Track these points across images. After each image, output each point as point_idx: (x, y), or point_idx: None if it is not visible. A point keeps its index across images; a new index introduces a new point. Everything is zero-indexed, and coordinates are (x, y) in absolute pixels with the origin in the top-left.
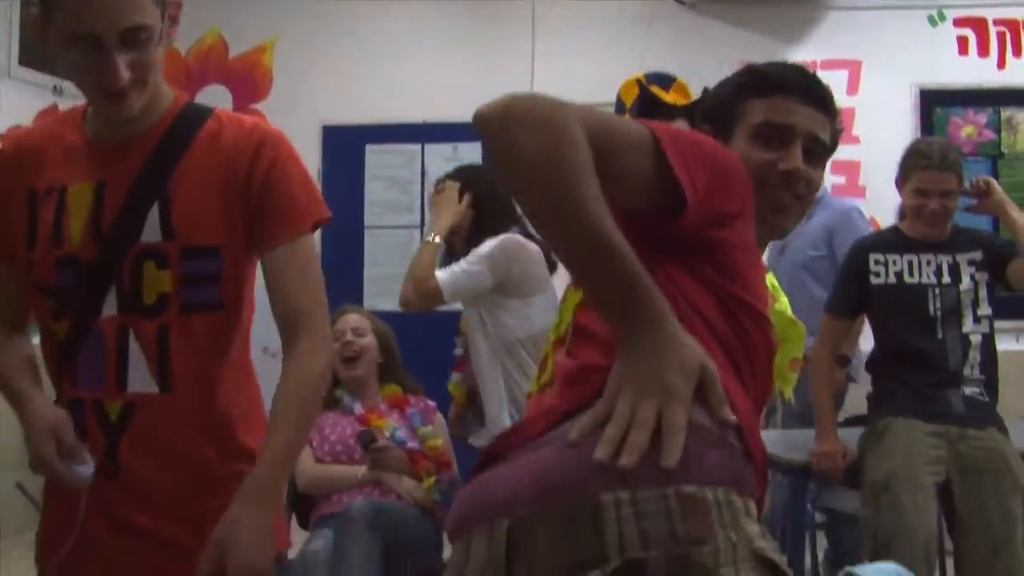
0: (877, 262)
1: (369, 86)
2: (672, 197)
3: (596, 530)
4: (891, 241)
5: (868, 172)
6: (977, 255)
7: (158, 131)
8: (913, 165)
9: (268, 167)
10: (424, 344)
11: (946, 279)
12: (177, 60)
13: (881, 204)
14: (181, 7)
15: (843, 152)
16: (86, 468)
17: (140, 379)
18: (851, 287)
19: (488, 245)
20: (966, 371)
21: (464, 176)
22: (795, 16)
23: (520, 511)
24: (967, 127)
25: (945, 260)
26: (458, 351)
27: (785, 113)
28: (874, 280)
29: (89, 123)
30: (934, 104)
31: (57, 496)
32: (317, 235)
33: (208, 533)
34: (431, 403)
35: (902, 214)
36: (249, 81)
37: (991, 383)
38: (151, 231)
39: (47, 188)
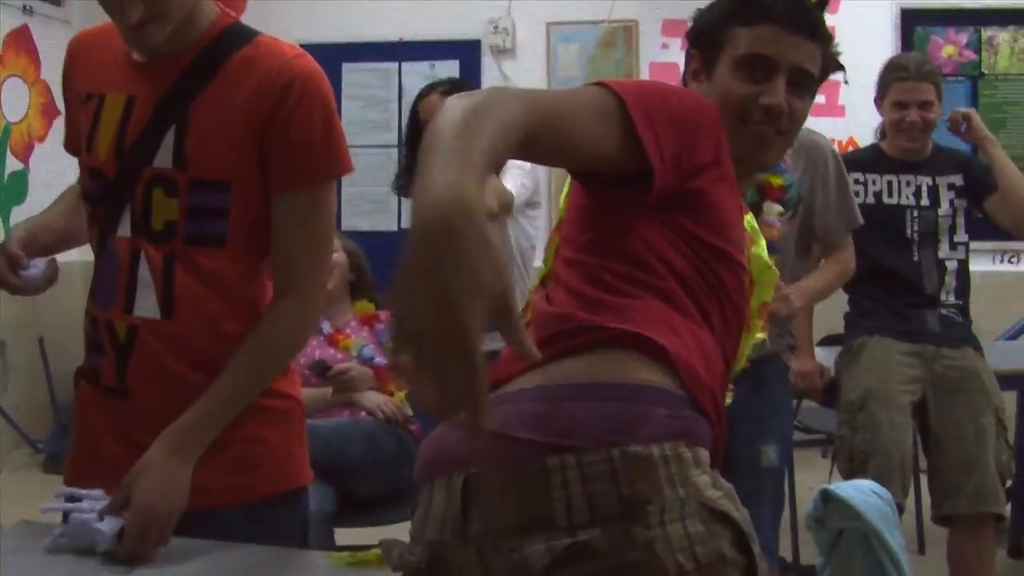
0: (857, 181)
1: (344, 4)
2: (639, 160)
3: (543, 493)
4: (871, 160)
5: (847, 91)
6: (957, 179)
7: (191, 52)
8: (890, 78)
9: (292, 108)
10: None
11: (925, 201)
12: None
13: (860, 123)
14: None
15: None
16: (34, 270)
17: (145, 303)
18: None
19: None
20: (942, 295)
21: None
22: None
23: (473, 467)
24: (948, 47)
25: (925, 181)
26: None
27: (769, 44)
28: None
29: (131, 34)
30: (915, 23)
31: (80, 420)
32: None
33: (211, 462)
34: None
35: (882, 133)
36: None
37: (966, 307)
38: (164, 157)
39: (88, 93)
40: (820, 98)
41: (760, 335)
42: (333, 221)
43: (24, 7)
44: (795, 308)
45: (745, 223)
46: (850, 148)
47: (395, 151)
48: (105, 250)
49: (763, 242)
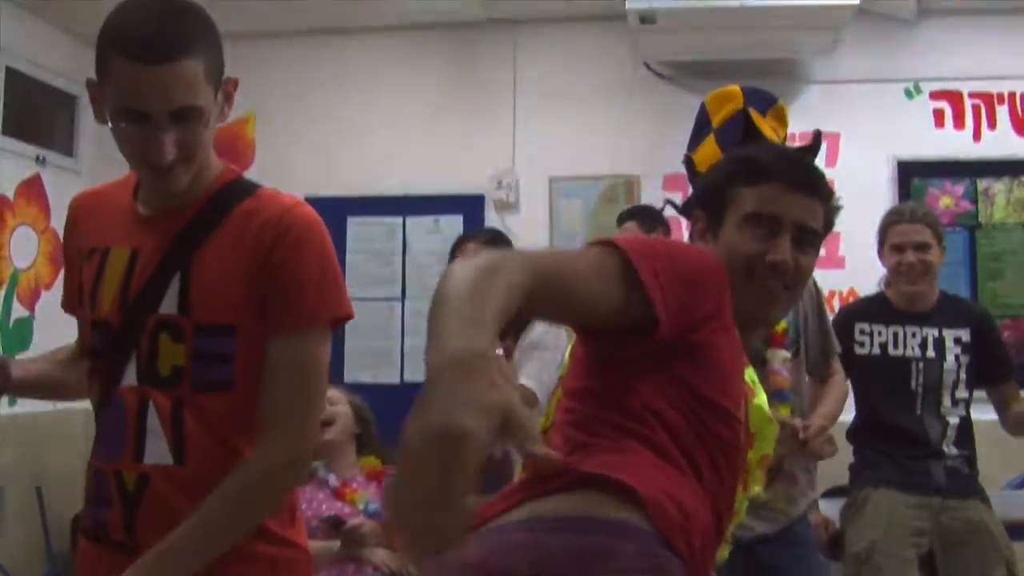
0: (863, 332)
1: (351, 158)
2: (643, 313)
3: None
4: (877, 310)
5: (847, 243)
6: (964, 333)
7: (197, 205)
8: (887, 224)
9: (286, 252)
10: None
11: (930, 353)
12: None
13: (861, 275)
14: (237, 85)
15: None
16: None
17: (156, 450)
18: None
19: (538, 331)
20: (945, 447)
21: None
22: (774, 89)
23: None
24: (945, 198)
25: (931, 333)
26: None
27: (773, 203)
28: (858, 350)
29: (139, 189)
30: (912, 175)
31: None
32: None
33: None
34: None
35: (887, 283)
36: (231, 152)
37: (972, 458)
38: (169, 303)
39: (92, 248)
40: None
41: (757, 488)
42: (325, 369)
43: (38, 157)
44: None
45: (746, 376)
46: (851, 299)
47: (398, 304)
48: (110, 401)
49: (763, 395)
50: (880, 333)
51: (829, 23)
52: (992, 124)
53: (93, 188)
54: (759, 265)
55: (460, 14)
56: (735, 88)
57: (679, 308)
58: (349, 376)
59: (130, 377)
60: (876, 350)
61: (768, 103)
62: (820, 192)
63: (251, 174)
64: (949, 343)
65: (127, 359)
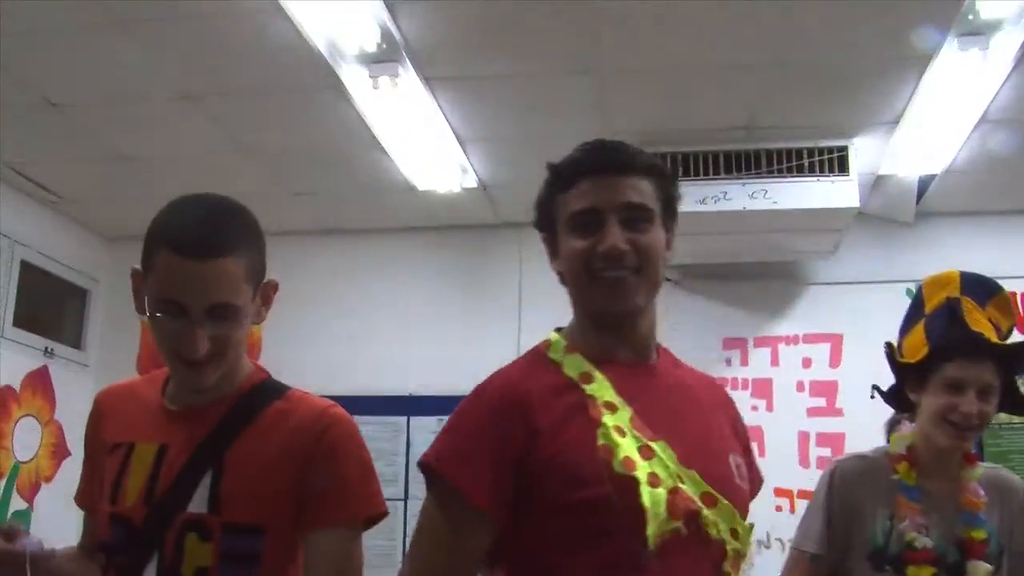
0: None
1: (356, 357)
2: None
3: None
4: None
5: (853, 444)
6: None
7: (227, 403)
8: (892, 425)
9: (328, 450)
10: None
11: None
12: None
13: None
14: (277, 289)
15: (827, 424)
16: (29, 541)
17: None
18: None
19: None
20: None
21: None
22: (777, 292)
23: None
24: None
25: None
26: None
27: (587, 196)
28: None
29: (169, 386)
30: None
31: None
32: None
33: None
34: None
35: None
36: None
37: None
38: (199, 502)
39: (116, 443)
40: (826, 450)
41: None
42: (362, 566)
43: (46, 349)
44: None
45: (600, 436)
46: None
47: (401, 504)
48: None
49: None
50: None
51: (830, 226)
52: None
53: (119, 383)
54: (594, 260)
55: (468, 216)
56: (954, 273)
57: (492, 482)
58: None
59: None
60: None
61: (989, 293)
62: (635, 167)
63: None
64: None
65: (148, 557)
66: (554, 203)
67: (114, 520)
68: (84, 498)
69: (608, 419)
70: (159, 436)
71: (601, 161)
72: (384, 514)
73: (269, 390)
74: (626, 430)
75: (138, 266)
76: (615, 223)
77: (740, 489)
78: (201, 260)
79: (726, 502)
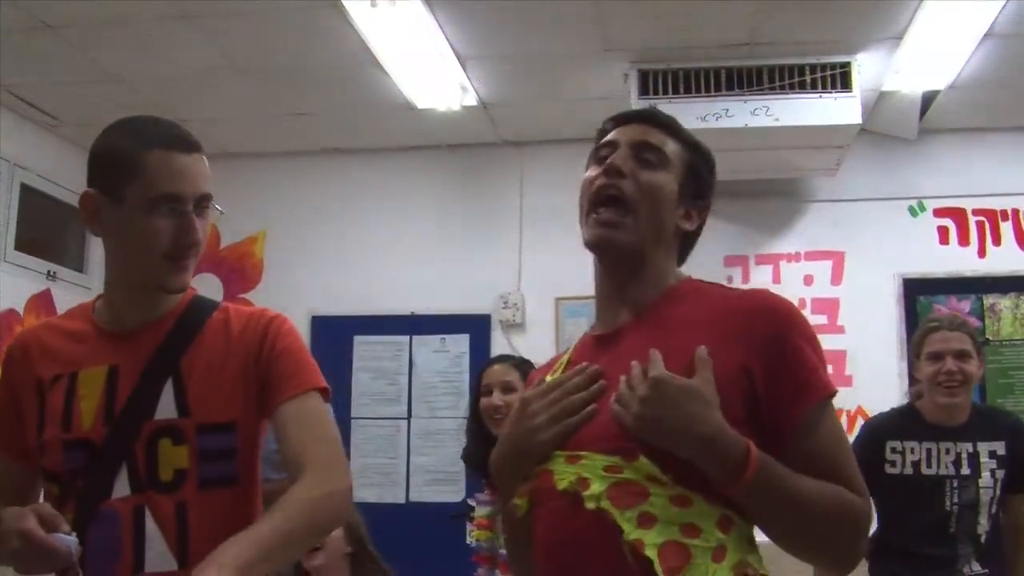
0: (894, 450)
1: (358, 278)
2: None
3: None
4: (909, 425)
5: (854, 361)
6: (1000, 446)
7: (170, 318)
8: (923, 333)
9: (274, 340)
10: (415, 535)
11: (965, 470)
12: None
13: (869, 392)
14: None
15: (828, 342)
16: (70, 538)
17: (158, 557)
18: (867, 473)
19: None
20: (973, 566)
21: (526, 368)
22: (780, 210)
23: None
24: None
25: (965, 448)
26: (477, 544)
27: (609, 135)
28: (889, 470)
29: (100, 313)
30: (917, 293)
31: None
32: None
33: None
34: None
35: (916, 395)
36: (239, 271)
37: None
38: (166, 409)
39: (54, 376)
40: (822, 317)
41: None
42: (334, 425)
43: (48, 272)
44: None
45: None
46: (859, 418)
47: (404, 423)
48: (97, 517)
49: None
50: (912, 451)
51: (833, 143)
52: (996, 240)
53: (35, 325)
54: (588, 190)
55: (468, 135)
56: None
57: None
58: (354, 495)
59: (121, 489)
60: (908, 469)
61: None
62: (664, 124)
63: (259, 293)
64: (984, 457)
65: (115, 472)
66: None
67: (70, 446)
68: (3, 441)
69: None
70: (106, 359)
71: (635, 113)
72: (327, 390)
73: (206, 304)
74: None
75: (91, 190)
76: (626, 151)
77: (604, 435)
78: (189, 153)
79: (584, 453)
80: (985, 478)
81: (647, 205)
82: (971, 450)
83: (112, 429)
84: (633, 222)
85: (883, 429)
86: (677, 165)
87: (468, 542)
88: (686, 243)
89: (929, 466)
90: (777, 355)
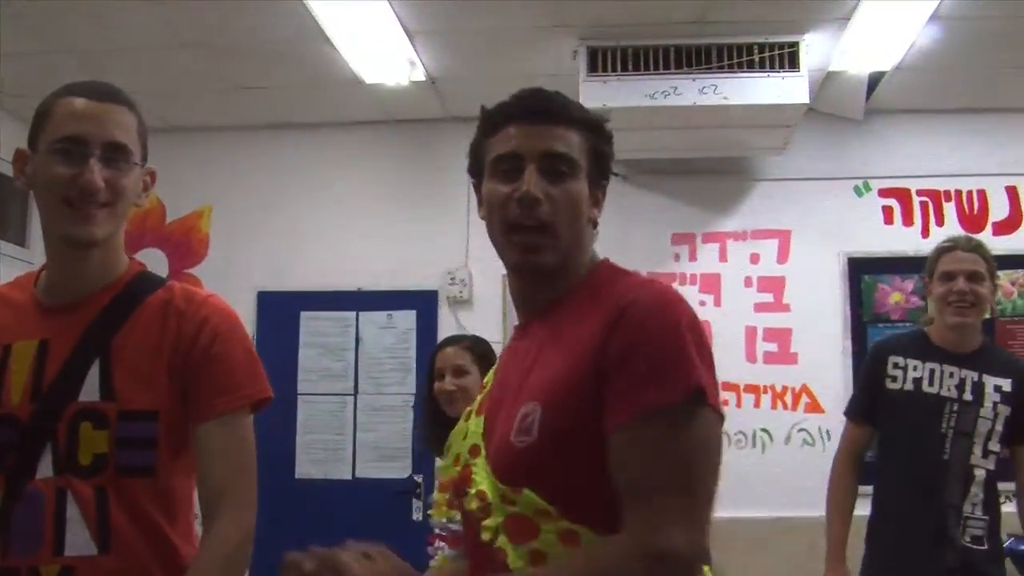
0: (896, 365)
1: (304, 253)
2: None
3: None
4: (915, 345)
5: (799, 339)
6: (1007, 383)
7: (108, 294)
8: (937, 253)
9: (210, 341)
10: (361, 511)
11: (967, 396)
12: None
13: (814, 371)
14: (155, 179)
15: (774, 320)
16: None
17: (78, 541)
18: (870, 391)
19: None
20: (966, 508)
21: (479, 348)
22: (727, 188)
23: None
24: (895, 294)
25: (970, 376)
26: (434, 521)
27: (509, 141)
28: (890, 385)
29: (41, 284)
30: (862, 272)
31: None
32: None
33: None
34: None
35: (927, 321)
36: (185, 245)
37: (995, 527)
38: (90, 391)
39: None
40: (773, 346)
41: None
42: (254, 448)
43: None
44: None
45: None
46: (804, 396)
47: (351, 399)
48: (22, 496)
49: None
50: (915, 368)
51: (780, 122)
52: (940, 221)
53: None
54: (510, 207)
55: (416, 110)
56: None
57: None
58: (300, 472)
59: (45, 469)
60: (909, 385)
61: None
62: (565, 118)
63: (205, 268)
64: (989, 389)
65: (40, 451)
66: (481, 148)
67: (0, 422)
68: None
69: (472, 406)
70: (38, 332)
71: (529, 107)
72: (270, 398)
73: (149, 280)
74: (472, 413)
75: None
76: (535, 171)
77: (503, 446)
78: (101, 101)
79: (480, 461)
80: (987, 408)
81: (566, 222)
82: (976, 379)
83: (37, 407)
84: (553, 242)
85: (887, 346)
86: (583, 162)
87: (415, 518)
88: (596, 224)
89: (931, 384)
90: (616, 361)
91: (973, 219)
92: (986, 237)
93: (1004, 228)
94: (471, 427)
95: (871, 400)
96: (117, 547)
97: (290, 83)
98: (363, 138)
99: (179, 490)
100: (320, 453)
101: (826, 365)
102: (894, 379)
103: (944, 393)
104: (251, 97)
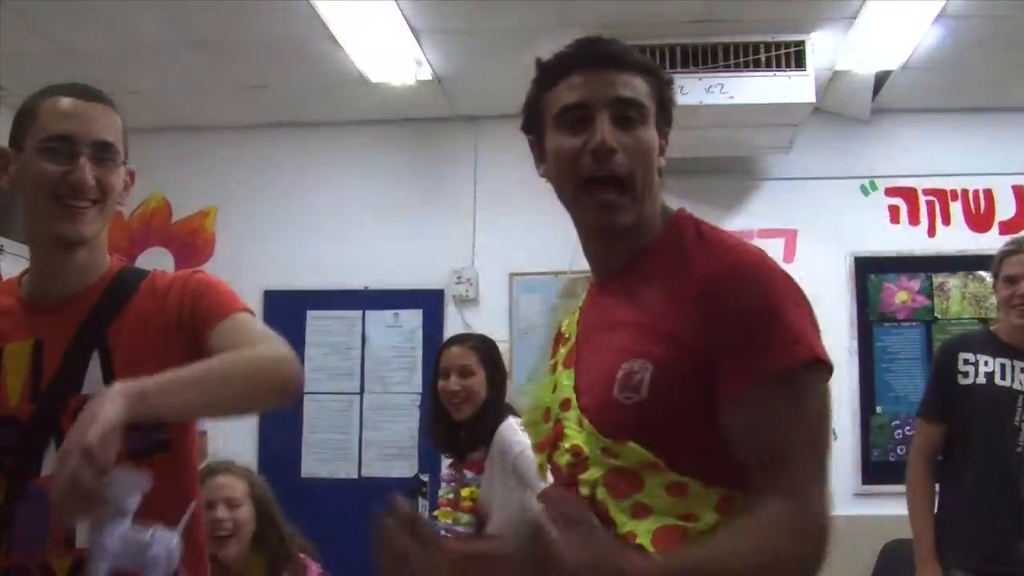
0: (967, 361)
1: (311, 252)
2: None
3: None
4: (983, 342)
5: None
6: None
7: (96, 290)
8: (1001, 256)
9: (193, 287)
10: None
11: None
12: (120, 223)
13: None
14: (134, 178)
15: None
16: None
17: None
18: (941, 388)
19: (509, 437)
20: None
21: (485, 348)
22: (733, 187)
23: None
24: (901, 293)
25: None
26: (437, 523)
27: (576, 90)
28: (962, 380)
29: (26, 286)
30: (868, 271)
31: None
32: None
33: None
34: (313, 566)
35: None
36: (191, 245)
37: None
38: (93, 383)
39: None
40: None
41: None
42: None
43: None
44: None
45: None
46: None
47: (357, 398)
48: (26, 495)
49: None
50: (987, 363)
51: (786, 121)
52: (946, 220)
53: None
54: (585, 163)
55: (422, 110)
56: None
57: None
58: (306, 470)
59: (49, 465)
60: (982, 379)
61: None
62: (630, 63)
63: (211, 267)
64: None
65: (43, 448)
66: (541, 101)
67: None
68: None
69: (557, 358)
70: (31, 333)
71: (593, 53)
72: (250, 310)
73: (134, 274)
74: (559, 366)
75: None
76: (606, 119)
77: (606, 401)
78: (88, 101)
79: (574, 413)
80: None
81: (640, 172)
82: None
83: (39, 405)
84: (632, 200)
85: (956, 343)
86: (652, 106)
87: None
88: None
89: (1003, 378)
90: (730, 325)
91: (980, 219)
92: (993, 237)
93: (1011, 227)
94: (562, 379)
95: (943, 397)
96: None
97: (296, 82)
98: (369, 137)
99: (188, 468)
100: (326, 452)
101: (835, 363)
102: (965, 374)
103: (1016, 387)
104: (257, 96)
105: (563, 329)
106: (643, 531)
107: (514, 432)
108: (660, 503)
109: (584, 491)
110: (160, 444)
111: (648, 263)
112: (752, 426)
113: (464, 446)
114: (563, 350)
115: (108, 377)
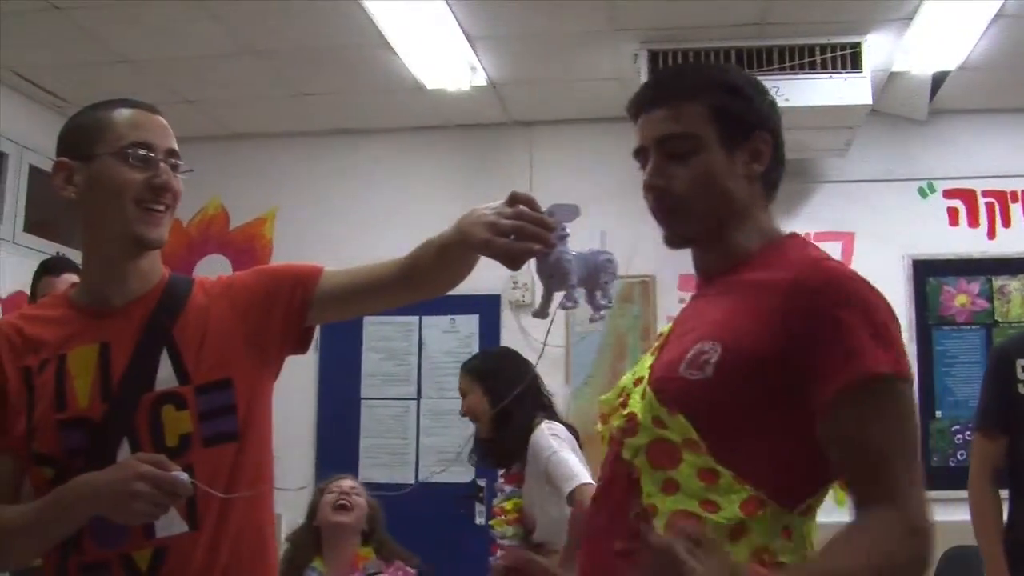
0: None
1: (367, 258)
2: None
3: None
4: None
5: None
6: None
7: (155, 293)
8: None
9: (247, 277)
10: (424, 515)
11: None
12: (179, 230)
13: None
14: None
15: None
16: (182, 472)
17: (169, 522)
18: (999, 398)
19: (546, 441)
20: None
21: (473, 364)
22: (789, 190)
23: None
24: (960, 296)
25: None
26: (499, 532)
27: (636, 136)
28: (1021, 389)
29: (79, 296)
30: (927, 274)
31: None
32: (312, 404)
33: None
34: (410, 571)
35: None
36: (249, 252)
37: None
38: (166, 379)
39: (42, 361)
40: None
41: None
42: None
43: (57, 255)
44: None
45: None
46: None
47: (414, 404)
48: None
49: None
50: None
51: (843, 124)
52: (1006, 222)
53: (9, 317)
54: (648, 200)
55: (477, 115)
56: None
57: None
58: (364, 475)
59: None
60: None
61: None
62: (673, 95)
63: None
64: None
65: (116, 446)
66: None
67: (66, 426)
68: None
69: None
70: (94, 338)
71: (640, 98)
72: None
73: (183, 280)
74: (650, 353)
75: (62, 158)
76: (656, 158)
77: (670, 373)
78: (152, 113)
79: (641, 387)
80: None
81: (697, 194)
82: None
83: (111, 404)
84: (686, 215)
85: (1012, 348)
86: (707, 129)
87: (478, 522)
88: (770, 174)
89: None
90: (810, 334)
91: None
92: None
93: None
94: (644, 363)
95: (1001, 408)
96: (207, 522)
97: (351, 89)
98: (424, 143)
99: (261, 455)
100: (384, 457)
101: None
102: (1022, 382)
103: None
104: (313, 103)
105: (663, 330)
106: (663, 510)
107: (544, 437)
108: (689, 484)
109: (626, 454)
110: (230, 435)
111: (744, 272)
112: (847, 434)
113: (499, 461)
114: (656, 343)
115: (180, 372)
